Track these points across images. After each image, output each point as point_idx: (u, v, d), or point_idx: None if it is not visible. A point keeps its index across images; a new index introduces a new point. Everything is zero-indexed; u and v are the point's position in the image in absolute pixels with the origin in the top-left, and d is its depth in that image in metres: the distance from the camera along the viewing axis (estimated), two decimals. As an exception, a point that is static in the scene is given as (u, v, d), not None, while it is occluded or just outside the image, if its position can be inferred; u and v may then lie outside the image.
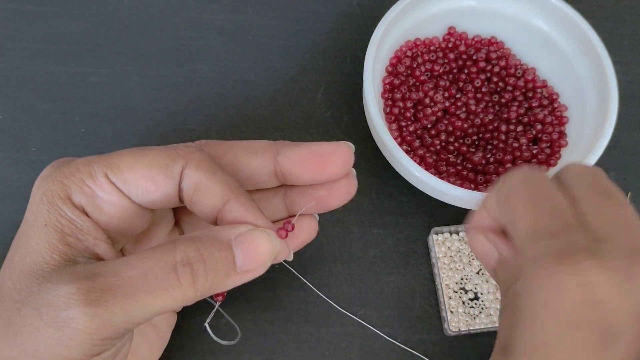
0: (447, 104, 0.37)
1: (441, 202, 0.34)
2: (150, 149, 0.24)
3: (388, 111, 0.37)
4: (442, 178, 0.35)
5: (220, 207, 0.24)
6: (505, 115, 0.37)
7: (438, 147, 0.37)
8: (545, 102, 0.38)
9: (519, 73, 0.39)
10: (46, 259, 0.22)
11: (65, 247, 0.22)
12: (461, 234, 0.35)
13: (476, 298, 0.34)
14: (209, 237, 0.23)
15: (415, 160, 0.34)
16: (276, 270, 0.34)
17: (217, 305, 0.25)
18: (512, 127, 0.37)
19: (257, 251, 0.23)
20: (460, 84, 0.38)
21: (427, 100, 0.37)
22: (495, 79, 0.39)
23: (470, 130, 0.37)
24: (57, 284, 0.21)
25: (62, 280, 0.21)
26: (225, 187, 0.24)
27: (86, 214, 0.23)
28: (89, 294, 0.20)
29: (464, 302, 0.34)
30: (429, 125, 0.37)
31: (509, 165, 0.36)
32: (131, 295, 0.21)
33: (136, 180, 0.23)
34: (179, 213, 0.30)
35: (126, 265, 0.21)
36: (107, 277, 0.21)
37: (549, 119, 0.37)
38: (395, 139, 0.36)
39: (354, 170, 0.27)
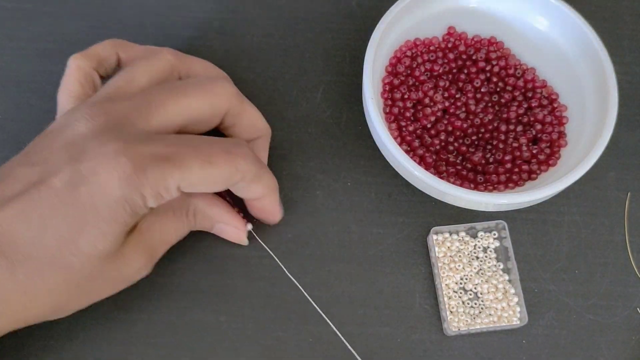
0: (446, 104, 0.37)
1: (441, 202, 0.34)
2: (213, 154, 0.28)
3: (387, 111, 0.37)
4: (441, 178, 0.35)
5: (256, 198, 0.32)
6: (504, 115, 0.37)
7: (437, 147, 0.37)
8: (545, 102, 0.38)
9: (518, 73, 0.39)
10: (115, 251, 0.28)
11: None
12: (461, 234, 0.35)
13: (476, 298, 0.34)
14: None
15: (414, 160, 0.34)
16: (276, 269, 0.34)
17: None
18: (511, 127, 0.37)
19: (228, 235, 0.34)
20: (460, 84, 0.38)
21: (426, 100, 0.37)
22: (494, 79, 0.39)
23: (469, 130, 0.37)
24: (131, 260, 0.29)
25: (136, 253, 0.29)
26: (265, 189, 0.32)
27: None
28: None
29: (463, 302, 0.34)
30: (429, 125, 0.37)
31: (508, 165, 0.36)
32: None
33: (202, 189, 0.29)
34: None
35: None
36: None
37: (548, 119, 0.37)
38: (395, 138, 0.36)
39: None
